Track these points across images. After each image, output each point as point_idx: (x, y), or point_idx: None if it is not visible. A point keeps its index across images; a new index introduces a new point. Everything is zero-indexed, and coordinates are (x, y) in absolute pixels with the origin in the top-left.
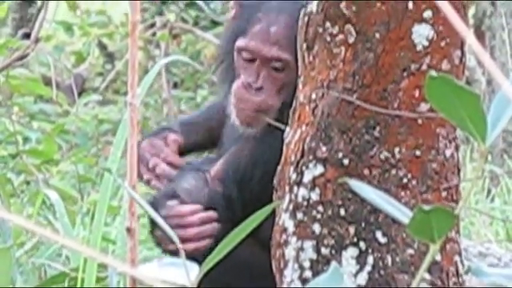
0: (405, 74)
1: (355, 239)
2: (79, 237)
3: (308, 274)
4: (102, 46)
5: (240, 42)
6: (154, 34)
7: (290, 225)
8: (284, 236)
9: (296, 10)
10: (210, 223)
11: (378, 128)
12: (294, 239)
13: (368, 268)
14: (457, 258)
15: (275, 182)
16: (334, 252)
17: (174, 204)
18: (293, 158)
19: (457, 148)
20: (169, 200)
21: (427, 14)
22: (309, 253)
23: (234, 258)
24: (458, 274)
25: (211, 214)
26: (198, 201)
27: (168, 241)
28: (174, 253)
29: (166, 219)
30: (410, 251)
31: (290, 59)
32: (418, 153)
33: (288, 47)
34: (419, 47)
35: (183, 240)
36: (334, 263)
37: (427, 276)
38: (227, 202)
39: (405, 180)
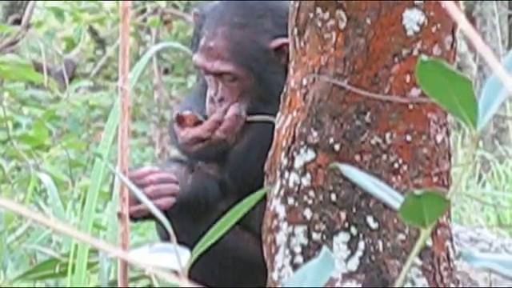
0: (396, 59)
1: (346, 224)
2: (70, 222)
3: (299, 259)
4: (93, 32)
5: (194, 58)
6: (144, 20)
7: (281, 210)
8: (275, 221)
9: (237, 16)
10: (169, 183)
11: (369, 113)
12: (285, 225)
13: (359, 253)
14: (448, 243)
15: (266, 167)
16: (325, 237)
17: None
18: (284, 144)
19: (448, 133)
20: None
21: None
22: (300, 238)
23: (224, 246)
24: (449, 259)
25: (170, 175)
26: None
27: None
28: (134, 218)
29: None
30: (401, 236)
31: (234, 70)
32: (408, 138)
33: (230, 58)
34: (410, 32)
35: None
36: (325, 248)
37: (418, 261)
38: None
39: (396, 165)
